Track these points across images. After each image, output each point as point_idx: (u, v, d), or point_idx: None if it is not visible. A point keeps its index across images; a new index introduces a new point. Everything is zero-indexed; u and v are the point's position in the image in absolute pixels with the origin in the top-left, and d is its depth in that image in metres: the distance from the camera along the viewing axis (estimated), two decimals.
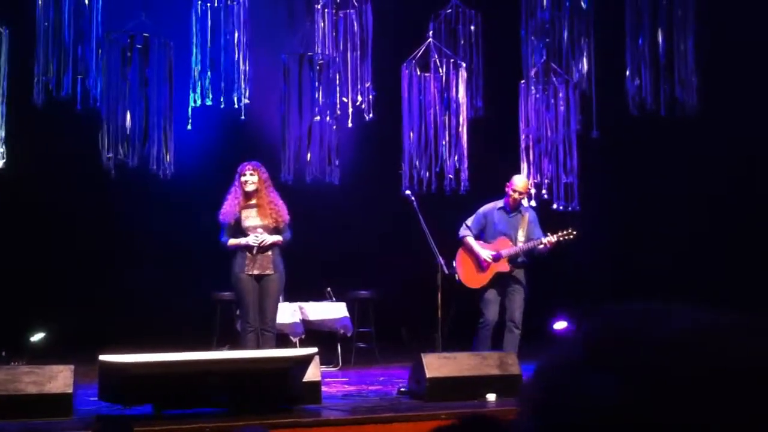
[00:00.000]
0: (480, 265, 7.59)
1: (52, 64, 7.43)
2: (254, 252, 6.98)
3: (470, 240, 7.62)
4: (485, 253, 7.57)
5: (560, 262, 11.51)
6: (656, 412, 0.63)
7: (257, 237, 6.97)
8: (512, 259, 7.60)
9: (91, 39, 7.61)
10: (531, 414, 0.70)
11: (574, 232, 7.54)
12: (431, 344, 7.82)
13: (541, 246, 7.51)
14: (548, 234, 7.59)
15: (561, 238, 7.52)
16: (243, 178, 7.07)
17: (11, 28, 7.61)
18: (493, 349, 7.35)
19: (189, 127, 8.03)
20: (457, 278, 7.65)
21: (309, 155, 8.36)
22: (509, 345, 7.42)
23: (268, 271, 7.03)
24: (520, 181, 7.73)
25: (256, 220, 7.04)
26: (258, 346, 6.92)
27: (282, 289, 7.26)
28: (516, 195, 7.60)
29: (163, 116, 7.85)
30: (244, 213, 7.09)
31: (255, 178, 7.07)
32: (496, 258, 7.55)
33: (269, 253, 7.03)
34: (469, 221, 7.71)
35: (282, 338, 8.22)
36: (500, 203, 7.71)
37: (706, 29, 8.43)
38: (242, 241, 7.00)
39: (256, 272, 7.00)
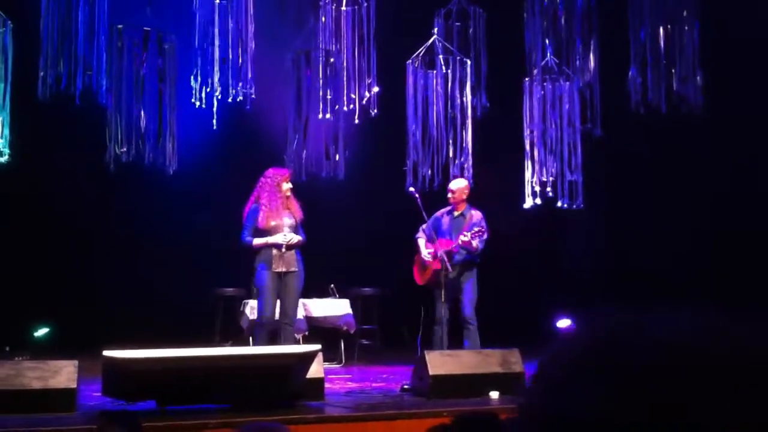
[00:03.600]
0: (423, 264, 7.92)
1: (61, 60, 7.43)
2: (283, 250, 7.19)
3: (419, 241, 7.97)
4: (425, 252, 7.90)
5: (563, 260, 11.53)
6: (651, 415, 0.63)
7: (285, 236, 7.21)
8: (449, 257, 7.75)
9: (97, 34, 7.60)
10: (529, 419, 0.70)
11: (484, 229, 7.69)
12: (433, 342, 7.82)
13: (465, 241, 7.61)
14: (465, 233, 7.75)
15: (473, 236, 7.62)
16: (286, 185, 7.36)
17: (16, 22, 7.61)
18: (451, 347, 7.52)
19: (214, 127, 8.08)
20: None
21: (305, 152, 8.44)
22: (438, 342, 7.60)
23: (292, 268, 7.29)
24: (452, 182, 8.05)
25: (285, 219, 7.31)
26: (268, 342, 7.14)
27: (302, 285, 7.46)
28: (449, 195, 7.91)
29: (167, 112, 7.85)
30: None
31: (291, 184, 7.43)
32: (434, 256, 7.79)
33: (293, 251, 7.31)
34: (425, 225, 7.99)
35: None
36: (450, 207, 7.96)
37: (710, 26, 8.41)
38: (270, 239, 7.22)
39: (282, 269, 7.24)
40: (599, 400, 0.65)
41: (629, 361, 0.66)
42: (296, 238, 7.26)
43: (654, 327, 0.69)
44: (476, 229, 7.65)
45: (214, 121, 8.06)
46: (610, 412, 0.64)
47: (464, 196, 7.90)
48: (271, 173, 7.40)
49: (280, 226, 7.24)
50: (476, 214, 7.88)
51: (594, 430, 0.64)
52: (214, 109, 8.01)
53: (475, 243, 7.61)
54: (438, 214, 7.98)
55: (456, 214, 7.89)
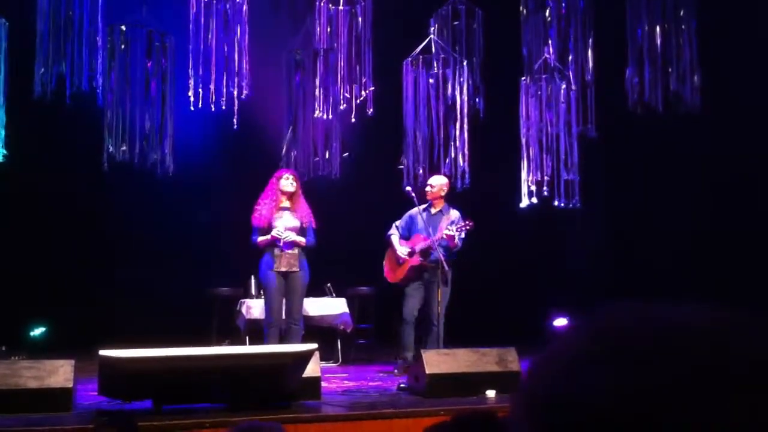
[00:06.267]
0: (398, 261, 7.94)
1: (60, 59, 7.41)
2: (280, 244, 7.34)
3: (393, 239, 8.03)
4: (402, 249, 7.93)
5: (561, 259, 11.54)
6: (654, 408, 0.63)
7: (280, 232, 7.35)
8: (424, 254, 7.78)
9: (90, 33, 7.58)
10: (528, 411, 0.70)
11: (470, 224, 7.66)
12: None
13: (446, 237, 7.58)
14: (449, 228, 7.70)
15: (458, 230, 7.61)
16: (283, 182, 7.50)
17: (11, 20, 7.59)
18: (416, 345, 7.59)
19: (235, 126, 8.12)
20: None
21: (294, 152, 8.46)
22: (430, 342, 7.56)
23: (294, 269, 7.42)
24: (432, 178, 8.06)
25: (288, 221, 7.43)
26: (279, 341, 7.25)
27: (306, 285, 7.58)
28: (427, 188, 7.91)
29: (165, 113, 7.85)
30: (277, 215, 7.47)
31: (294, 182, 7.54)
32: (411, 254, 7.83)
33: (295, 251, 7.43)
34: (398, 222, 8.05)
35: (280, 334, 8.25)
36: (426, 205, 7.93)
37: (708, 24, 8.40)
38: (268, 236, 7.36)
39: (283, 269, 7.39)
40: (600, 390, 0.65)
41: (632, 351, 0.66)
42: (296, 238, 7.36)
43: (660, 318, 0.69)
44: (461, 223, 7.64)
45: (235, 120, 8.12)
46: (610, 407, 0.64)
47: (443, 193, 7.92)
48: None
49: (283, 227, 7.36)
50: (455, 213, 7.89)
51: (593, 420, 0.64)
52: (235, 108, 8.07)
53: (457, 238, 7.61)
54: (413, 212, 7.95)
55: (433, 211, 7.89)
